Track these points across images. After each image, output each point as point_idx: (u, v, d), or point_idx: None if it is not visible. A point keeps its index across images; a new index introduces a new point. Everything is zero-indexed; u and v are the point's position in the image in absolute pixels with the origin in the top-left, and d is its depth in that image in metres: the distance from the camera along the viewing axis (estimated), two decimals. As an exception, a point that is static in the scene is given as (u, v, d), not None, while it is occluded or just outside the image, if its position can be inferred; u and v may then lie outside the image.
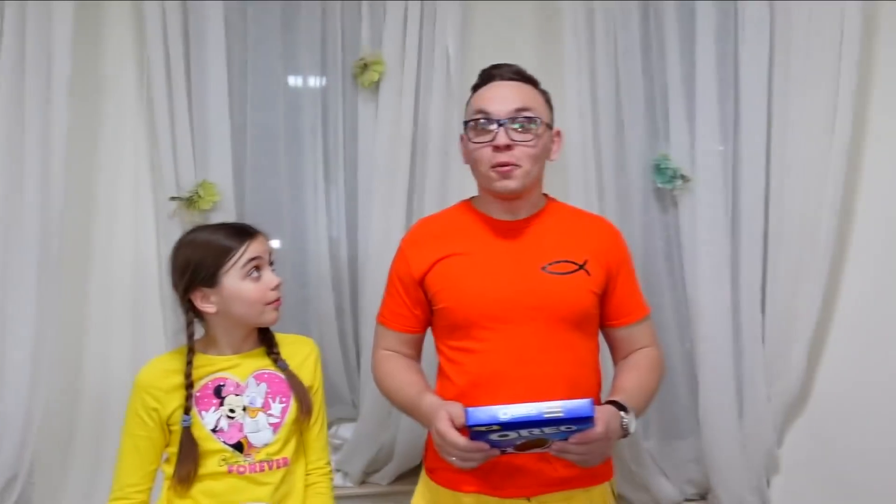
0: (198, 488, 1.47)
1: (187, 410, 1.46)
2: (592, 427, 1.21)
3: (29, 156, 1.82)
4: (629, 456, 2.07)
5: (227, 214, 1.95)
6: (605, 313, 1.53)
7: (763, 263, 1.98)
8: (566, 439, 1.24)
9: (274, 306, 1.52)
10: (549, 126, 1.50)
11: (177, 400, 1.47)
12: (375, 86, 2.05)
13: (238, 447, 1.47)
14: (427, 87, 2.05)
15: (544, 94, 1.52)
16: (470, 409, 1.19)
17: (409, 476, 2.11)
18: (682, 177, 1.99)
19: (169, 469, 1.49)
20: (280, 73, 2.10)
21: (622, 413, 1.33)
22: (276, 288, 1.52)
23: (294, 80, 2.13)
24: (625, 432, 1.33)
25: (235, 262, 1.47)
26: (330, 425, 2.13)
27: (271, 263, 1.54)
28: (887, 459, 1.94)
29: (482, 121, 1.43)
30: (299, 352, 1.60)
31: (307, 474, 1.59)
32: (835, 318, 1.99)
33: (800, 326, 1.95)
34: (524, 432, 1.19)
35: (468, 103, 1.52)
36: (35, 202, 1.82)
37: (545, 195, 1.58)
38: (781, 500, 2.06)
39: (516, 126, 1.42)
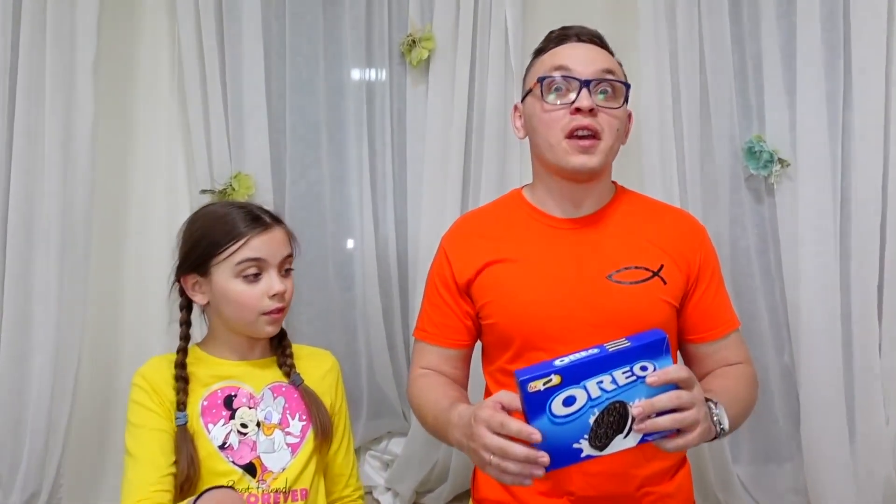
0: None
1: (181, 406, 1.32)
2: (670, 364, 1.02)
3: (50, 147, 1.77)
4: (716, 482, 1.91)
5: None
6: (686, 326, 1.34)
7: (880, 261, 1.81)
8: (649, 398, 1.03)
9: (270, 319, 1.35)
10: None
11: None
12: (425, 65, 1.99)
13: (250, 470, 1.33)
14: (483, 64, 1.97)
15: (621, 68, 1.37)
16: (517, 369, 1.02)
17: (464, 498, 2.00)
18: (780, 161, 1.85)
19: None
20: (320, 53, 2.03)
21: (710, 403, 1.11)
22: (277, 296, 1.35)
23: (336, 60, 2.06)
24: (717, 429, 1.12)
25: (229, 256, 1.32)
26: (380, 440, 2.12)
27: (286, 270, 1.38)
28: None
29: (560, 78, 1.28)
30: (318, 366, 1.46)
31: (335, 502, 1.46)
32: (969, 327, 1.77)
33: (926, 336, 1.75)
34: (594, 389, 1.00)
35: (529, 70, 1.39)
36: (57, 198, 1.77)
37: (614, 183, 1.42)
38: (902, 541, 1.84)
39: (601, 91, 1.29)
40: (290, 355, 1.43)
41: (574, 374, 0.99)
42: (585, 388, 1.00)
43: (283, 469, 1.34)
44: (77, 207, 1.80)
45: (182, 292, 1.40)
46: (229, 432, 1.34)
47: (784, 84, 1.84)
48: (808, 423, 1.81)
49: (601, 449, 1.03)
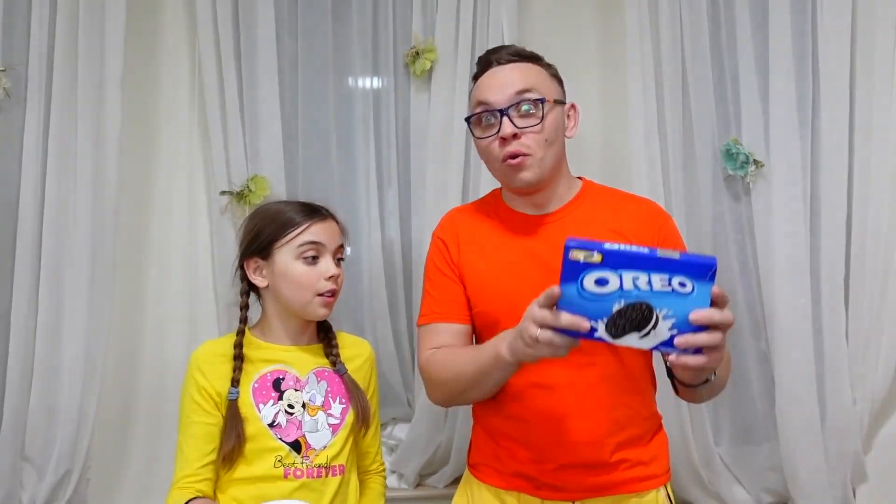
0: (249, 492, 1.39)
1: (235, 383, 1.41)
2: (710, 289, 0.97)
3: (82, 154, 1.83)
4: (700, 460, 1.97)
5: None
6: None
7: (846, 254, 1.87)
8: (680, 320, 0.99)
9: (324, 301, 1.44)
10: (562, 102, 1.39)
11: (228, 383, 1.42)
12: (428, 75, 2.02)
13: (295, 447, 1.41)
14: (482, 74, 1.99)
15: (549, 68, 1.41)
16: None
17: (465, 479, 2.04)
18: (756, 162, 1.89)
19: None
20: (330, 64, 2.07)
21: None
22: (332, 279, 1.44)
23: (345, 71, 2.10)
24: (709, 375, 1.21)
25: (292, 239, 1.42)
26: (385, 426, 2.15)
27: (340, 259, 1.48)
28: None
29: (484, 114, 1.34)
30: (358, 355, 1.55)
31: (361, 474, 1.55)
32: (928, 314, 1.84)
33: (887, 323, 1.84)
34: (628, 281, 0.98)
35: (470, 95, 1.43)
36: (88, 200, 1.83)
37: (579, 178, 1.47)
38: (869, 513, 1.92)
39: (521, 111, 1.33)
40: (336, 345, 1.51)
41: (616, 260, 0.97)
42: (620, 277, 0.98)
43: (325, 447, 1.43)
44: (106, 209, 1.85)
45: (243, 278, 1.49)
46: (278, 412, 1.42)
47: (759, 92, 1.89)
48: (782, 405, 1.87)
49: (615, 337, 1.01)
